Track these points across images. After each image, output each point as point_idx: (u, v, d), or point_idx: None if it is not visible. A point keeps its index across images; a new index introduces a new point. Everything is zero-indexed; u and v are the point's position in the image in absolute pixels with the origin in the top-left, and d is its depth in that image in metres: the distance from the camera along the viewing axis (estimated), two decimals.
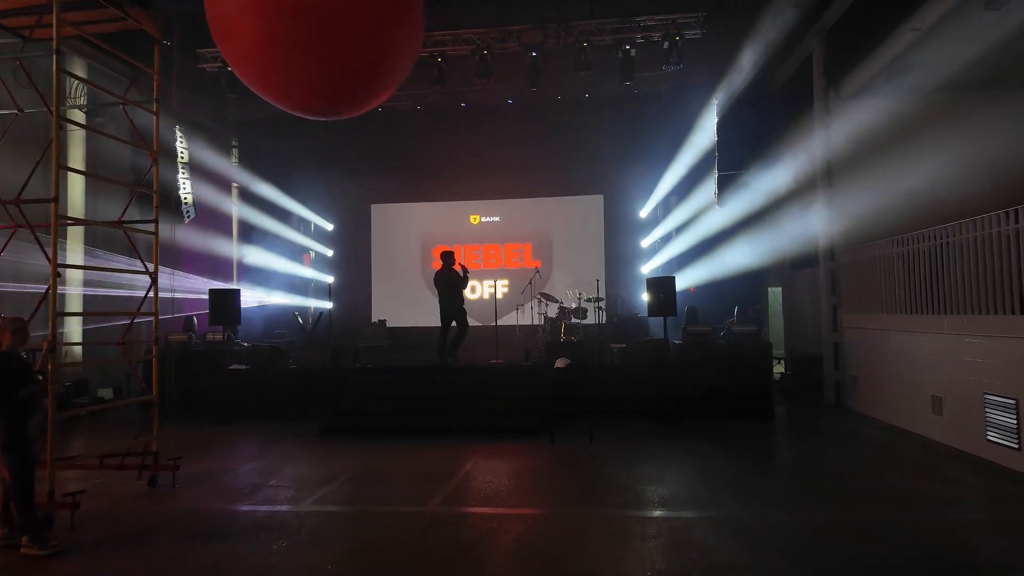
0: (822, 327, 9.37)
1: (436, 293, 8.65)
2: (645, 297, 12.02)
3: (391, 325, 12.55)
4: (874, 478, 5.31)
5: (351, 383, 8.49)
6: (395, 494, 5.13)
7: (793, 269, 11.39)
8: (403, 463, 6.22)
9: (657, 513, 4.46)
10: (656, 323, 9.61)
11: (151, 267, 5.64)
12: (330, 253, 13.20)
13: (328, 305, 12.53)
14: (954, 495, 4.81)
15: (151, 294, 5.63)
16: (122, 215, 5.57)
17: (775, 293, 12.62)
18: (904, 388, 7.14)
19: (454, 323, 8.59)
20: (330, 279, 12.96)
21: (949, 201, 7.95)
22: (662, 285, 8.00)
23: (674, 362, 8.20)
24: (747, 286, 11.44)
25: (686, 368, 8.07)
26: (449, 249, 8.86)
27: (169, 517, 4.66)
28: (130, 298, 7.69)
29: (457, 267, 8.46)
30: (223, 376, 9.01)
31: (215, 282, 11.31)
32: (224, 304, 9.28)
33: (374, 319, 12.89)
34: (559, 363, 7.06)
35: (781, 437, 7.18)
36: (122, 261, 8.34)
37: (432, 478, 5.51)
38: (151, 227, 5.68)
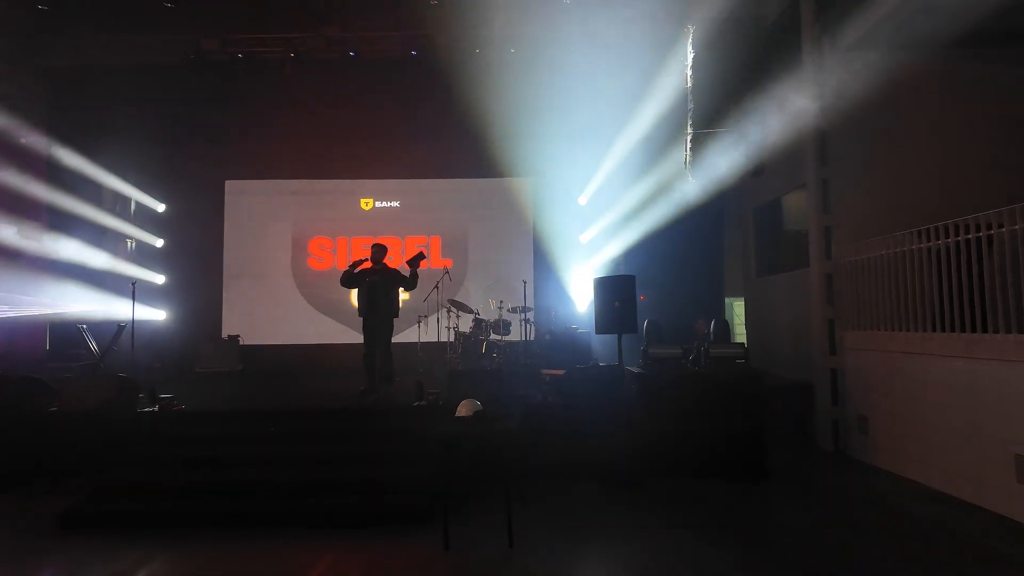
0: (814, 348, 7.42)
1: (357, 295, 6.71)
2: (583, 307, 9.84)
3: (247, 343, 9.62)
4: None
5: (136, 439, 5.56)
6: None
7: (760, 275, 9.56)
8: None
9: None
10: (604, 342, 7.35)
11: None
12: (159, 243, 10.00)
13: (159, 315, 9.41)
14: None
15: None
16: None
17: (731, 305, 10.83)
18: (958, 439, 5.17)
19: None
20: (159, 279, 9.79)
21: (986, 182, 6.27)
22: (616, 288, 5.69)
23: (632, 398, 5.91)
24: (709, 293, 9.51)
25: (649, 407, 5.80)
26: (382, 243, 6.95)
27: None
28: None
29: (394, 263, 6.96)
30: None
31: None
32: None
33: (224, 334, 9.85)
34: (462, 410, 4.53)
35: (793, 515, 5.00)
36: None
37: None
38: None
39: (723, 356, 6.09)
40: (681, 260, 8.52)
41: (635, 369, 6.04)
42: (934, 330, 5.62)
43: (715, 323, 6.51)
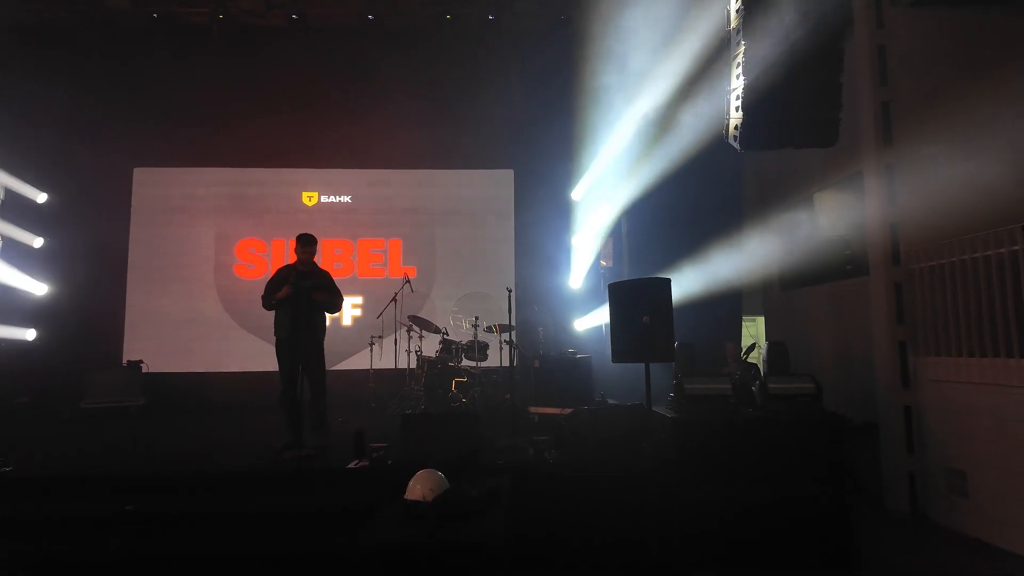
0: (875, 379, 5.85)
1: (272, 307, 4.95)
2: (581, 325, 8.14)
3: (154, 370, 7.67)
4: None
5: None
6: None
7: (786, 288, 8.06)
8: None
9: None
10: (614, 372, 5.67)
11: None
12: (37, 243, 7.97)
13: (27, 334, 7.42)
14: None
15: None
16: None
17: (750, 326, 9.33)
18: None
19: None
20: (38, 288, 7.78)
21: None
22: (644, 297, 4.00)
23: (664, 453, 4.21)
24: (727, 310, 7.97)
25: (690, 466, 4.11)
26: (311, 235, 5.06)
27: None
28: None
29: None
30: None
31: None
32: None
33: (125, 360, 7.88)
34: (417, 489, 2.75)
35: None
36: None
37: None
38: None
39: (786, 393, 4.45)
40: (711, 261, 6.96)
41: (667, 412, 4.34)
42: None
43: (768, 348, 4.89)
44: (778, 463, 4.15)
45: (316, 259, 5.03)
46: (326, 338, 5.08)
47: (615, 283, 4.22)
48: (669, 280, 4.07)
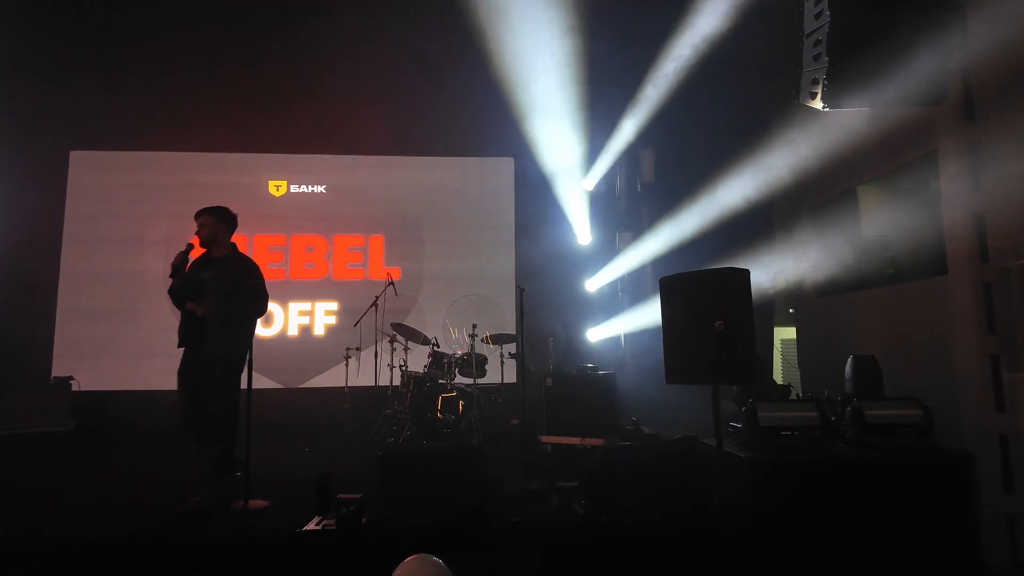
0: (963, 401, 4.87)
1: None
2: (595, 335, 7.07)
3: (86, 389, 6.53)
4: None
5: None
6: None
7: (824, 295, 7.14)
8: None
9: None
10: (644, 393, 4.63)
11: None
12: None
13: None
14: None
15: None
16: None
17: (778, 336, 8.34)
18: None
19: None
20: None
21: None
22: (711, 294, 2.92)
23: (733, 506, 3.15)
24: (761, 320, 6.98)
25: (775, 525, 3.05)
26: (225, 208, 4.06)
27: None
28: None
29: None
30: None
31: None
32: None
33: (53, 376, 6.68)
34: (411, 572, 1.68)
35: None
36: None
37: None
38: None
39: (887, 422, 3.43)
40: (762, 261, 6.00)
41: (738, 451, 3.27)
42: None
43: (854, 363, 3.88)
44: (888, 519, 3.12)
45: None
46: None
47: (669, 277, 3.16)
48: (747, 271, 3.04)
